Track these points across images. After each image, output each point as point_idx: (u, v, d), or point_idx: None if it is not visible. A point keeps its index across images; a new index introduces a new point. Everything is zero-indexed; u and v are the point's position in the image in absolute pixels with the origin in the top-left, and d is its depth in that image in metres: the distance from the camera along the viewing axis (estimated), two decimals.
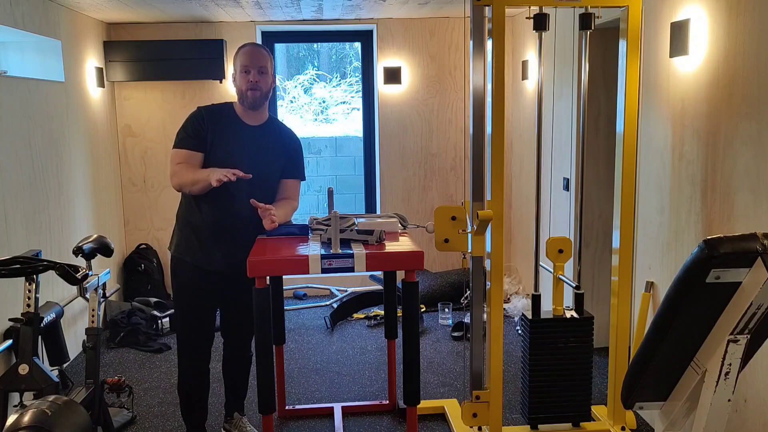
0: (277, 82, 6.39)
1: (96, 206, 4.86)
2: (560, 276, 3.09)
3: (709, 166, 2.77)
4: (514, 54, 5.47)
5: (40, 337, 3.10)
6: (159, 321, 4.78)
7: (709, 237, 1.71)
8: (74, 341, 4.20)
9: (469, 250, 2.92)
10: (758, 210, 2.47)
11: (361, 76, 5.87)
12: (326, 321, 4.94)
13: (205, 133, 2.85)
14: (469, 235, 2.89)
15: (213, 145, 2.85)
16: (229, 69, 5.07)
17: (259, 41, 5.45)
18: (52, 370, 2.87)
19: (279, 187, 3.04)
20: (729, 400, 1.84)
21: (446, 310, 4.94)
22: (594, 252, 4.20)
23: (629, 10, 2.85)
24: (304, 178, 3.11)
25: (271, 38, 5.69)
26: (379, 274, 5.12)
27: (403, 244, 2.80)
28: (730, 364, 1.80)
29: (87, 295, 2.85)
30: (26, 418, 2.03)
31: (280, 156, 2.99)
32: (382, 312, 4.91)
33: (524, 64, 5.12)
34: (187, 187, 2.86)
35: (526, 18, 2.95)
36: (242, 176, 2.70)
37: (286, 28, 5.54)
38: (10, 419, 2.04)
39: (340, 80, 9.51)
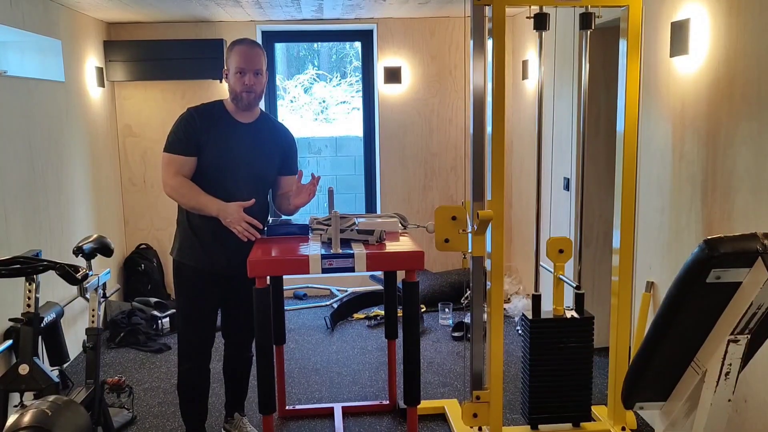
0: (278, 82, 6.39)
1: (96, 206, 4.86)
2: (560, 276, 3.09)
3: (710, 166, 2.76)
4: (515, 54, 5.47)
5: (40, 337, 3.10)
6: (159, 321, 4.78)
7: (709, 237, 1.71)
8: (74, 341, 4.20)
9: (470, 250, 2.92)
10: (758, 210, 2.47)
11: (361, 75, 5.87)
12: (326, 321, 4.94)
13: (197, 135, 2.82)
14: (470, 235, 2.89)
15: (207, 146, 2.83)
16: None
17: (259, 41, 5.44)
18: (52, 370, 2.87)
19: (280, 183, 3.05)
20: (729, 401, 1.84)
21: (446, 310, 4.94)
22: (594, 252, 4.19)
23: (629, 10, 2.84)
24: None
25: (271, 38, 5.69)
26: (379, 274, 5.12)
27: (403, 244, 2.80)
28: (730, 364, 1.80)
29: (87, 295, 2.84)
30: (26, 418, 2.03)
31: (276, 153, 2.99)
32: (383, 312, 4.91)
33: (524, 63, 5.12)
34: (185, 206, 2.87)
35: (527, 18, 2.95)
36: (255, 230, 2.79)
37: (286, 27, 5.54)
38: (10, 419, 2.04)
39: (340, 80, 9.50)
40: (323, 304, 5.47)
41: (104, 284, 3.00)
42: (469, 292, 3.03)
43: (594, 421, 3.16)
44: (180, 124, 2.86)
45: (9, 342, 3.35)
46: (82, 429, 2.17)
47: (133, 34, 5.31)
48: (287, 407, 3.54)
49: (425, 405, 3.41)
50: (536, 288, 3.09)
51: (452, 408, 3.45)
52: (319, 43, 9.06)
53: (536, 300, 3.04)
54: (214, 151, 2.84)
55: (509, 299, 5.27)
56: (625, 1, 2.83)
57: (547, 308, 3.09)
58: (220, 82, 5.34)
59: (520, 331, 4.27)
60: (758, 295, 1.71)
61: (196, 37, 5.33)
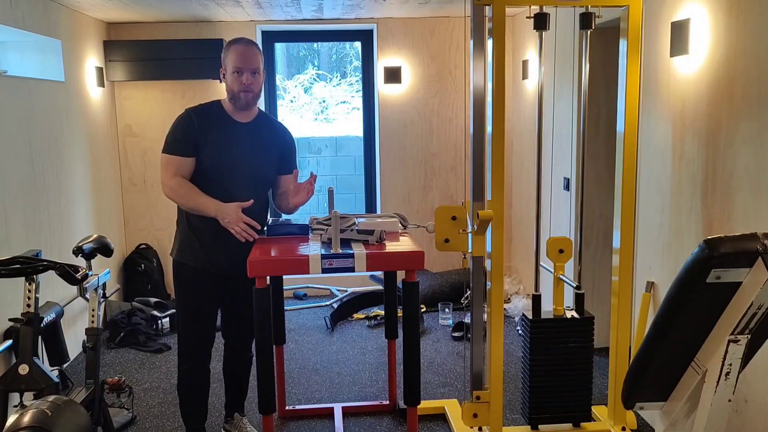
0: (278, 82, 6.39)
1: (96, 206, 4.86)
2: (561, 276, 3.09)
3: (710, 166, 2.76)
4: (515, 54, 5.47)
5: (40, 337, 3.10)
6: (159, 321, 4.78)
7: (709, 237, 1.71)
8: (74, 341, 4.20)
9: (470, 250, 2.92)
10: (758, 210, 2.47)
11: (361, 75, 5.87)
12: (326, 321, 4.94)
13: (195, 136, 2.81)
14: (470, 235, 2.89)
15: (206, 147, 2.82)
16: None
17: (259, 41, 5.45)
18: (52, 370, 2.87)
19: (282, 182, 3.05)
20: (729, 401, 1.84)
21: (446, 310, 4.94)
22: (594, 252, 4.19)
23: (630, 10, 2.84)
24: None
25: (271, 38, 5.69)
26: (379, 274, 5.12)
27: (403, 244, 2.80)
28: (730, 365, 1.80)
29: (87, 295, 2.85)
30: (26, 418, 2.03)
31: (275, 151, 2.99)
32: (383, 312, 4.91)
33: (524, 63, 5.12)
34: (183, 206, 2.86)
35: (527, 17, 2.95)
36: (254, 231, 2.76)
37: (286, 27, 5.54)
38: (10, 419, 2.04)
39: (340, 80, 9.50)
40: (323, 304, 5.47)
41: (104, 284, 3.00)
42: (469, 292, 3.03)
43: (594, 421, 3.16)
44: (178, 125, 2.85)
45: (9, 342, 3.35)
46: (82, 429, 2.17)
47: (133, 34, 5.31)
48: (287, 407, 3.54)
49: (425, 405, 3.41)
50: (536, 288, 3.09)
51: (452, 408, 3.45)
52: (319, 43, 9.06)
53: (536, 300, 3.04)
54: (213, 151, 2.83)
55: (509, 299, 5.27)
56: (625, 1, 2.83)
57: (547, 308, 3.09)
58: (220, 82, 5.34)
59: (520, 331, 4.27)
60: (758, 295, 1.71)
61: (196, 37, 5.33)
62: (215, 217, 2.77)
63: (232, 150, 2.86)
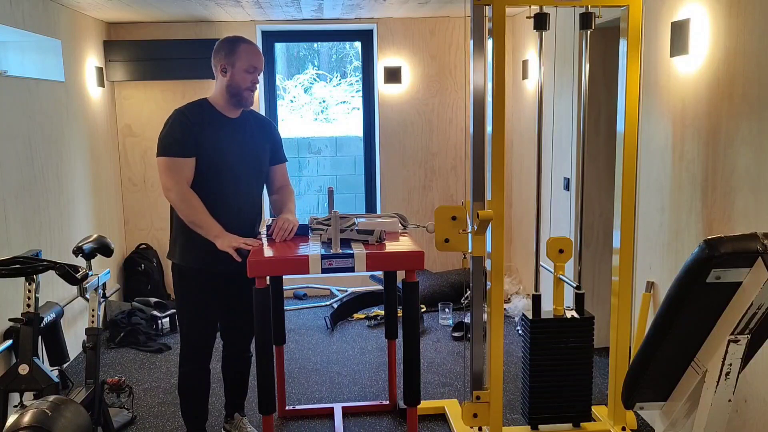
0: (278, 82, 6.39)
1: (96, 206, 4.86)
2: (561, 276, 3.09)
3: (710, 166, 2.76)
4: (515, 53, 5.47)
5: (40, 337, 3.10)
6: (159, 321, 4.78)
7: (709, 237, 1.71)
8: (74, 341, 4.20)
9: (470, 250, 2.92)
10: (758, 210, 2.47)
11: (361, 75, 5.87)
12: (326, 321, 4.94)
13: (194, 135, 2.79)
14: (470, 235, 2.89)
15: (204, 145, 2.80)
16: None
17: (259, 41, 5.45)
18: (52, 370, 2.87)
19: (271, 175, 3.07)
20: (729, 401, 1.84)
21: (446, 310, 4.94)
22: (594, 252, 4.19)
23: (630, 10, 2.84)
24: (287, 160, 3.16)
25: (271, 38, 5.69)
26: (379, 274, 5.12)
27: (403, 244, 2.80)
28: (730, 364, 1.80)
29: (87, 295, 2.84)
30: (26, 418, 2.03)
31: (267, 142, 3.02)
32: (383, 312, 4.91)
33: (524, 63, 5.12)
34: (184, 217, 2.79)
35: (527, 17, 2.95)
36: (251, 246, 2.72)
37: (286, 27, 5.54)
38: (10, 419, 2.04)
39: (340, 80, 9.50)
40: (323, 304, 5.47)
41: (104, 284, 3.00)
42: (469, 292, 3.03)
43: (594, 421, 3.16)
44: (174, 125, 2.81)
45: (9, 342, 3.35)
46: (82, 429, 2.17)
47: (133, 34, 5.31)
48: (287, 407, 3.54)
49: (425, 405, 3.41)
50: (536, 288, 3.09)
51: (452, 408, 3.45)
52: (319, 43, 9.06)
53: (536, 300, 3.03)
54: (211, 148, 2.82)
55: (509, 299, 5.27)
56: (625, 1, 2.83)
57: (547, 308, 3.09)
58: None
59: (520, 331, 4.27)
60: (758, 295, 1.71)
61: (196, 37, 5.33)
62: (212, 240, 2.75)
63: (229, 146, 2.86)
